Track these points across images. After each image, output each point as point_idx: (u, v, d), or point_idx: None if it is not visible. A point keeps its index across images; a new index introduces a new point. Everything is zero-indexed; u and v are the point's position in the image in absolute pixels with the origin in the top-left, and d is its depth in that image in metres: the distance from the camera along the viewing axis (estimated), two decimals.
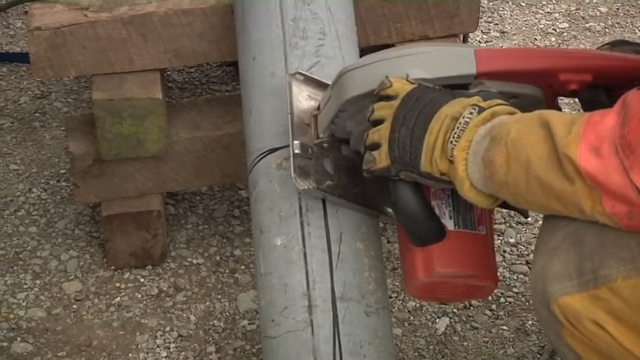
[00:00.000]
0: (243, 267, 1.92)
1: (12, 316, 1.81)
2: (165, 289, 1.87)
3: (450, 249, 1.27)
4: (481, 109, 1.13)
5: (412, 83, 1.22)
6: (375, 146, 1.21)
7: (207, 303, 1.84)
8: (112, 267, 1.90)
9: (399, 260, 1.92)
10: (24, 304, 1.83)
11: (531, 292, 1.19)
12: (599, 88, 1.27)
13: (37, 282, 1.87)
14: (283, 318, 1.37)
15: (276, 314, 1.38)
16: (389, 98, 1.21)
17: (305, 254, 1.38)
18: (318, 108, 1.39)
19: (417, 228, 1.26)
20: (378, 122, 1.21)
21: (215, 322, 1.80)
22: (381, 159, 1.20)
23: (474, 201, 1.16)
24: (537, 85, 1.28)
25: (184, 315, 1.82)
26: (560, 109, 1.31)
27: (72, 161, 1.81)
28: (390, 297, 1.81)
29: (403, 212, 1.25)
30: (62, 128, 2.24)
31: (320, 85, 1.44)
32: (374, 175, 1.25)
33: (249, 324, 1.79)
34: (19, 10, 2.57)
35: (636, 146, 0.89)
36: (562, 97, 1.34)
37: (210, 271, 1.91)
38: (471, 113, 1.13)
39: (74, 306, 1.83)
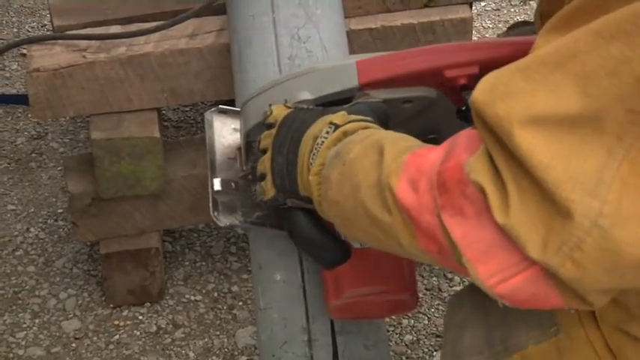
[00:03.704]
0: (241, 303, 1.93)
1: (11, 355, 1.81)
2: (163, 326, 1.88)
3: (356, 268, 1.23)
4: (336, 128, 1.07)
5: (289, 108, 1.18)
6: (263, 177, 1.16)
7: (206, 339, 1.85)
8: (111, 305, 1.91)
9: None
10: (23, 343, 1.84)
11: None
12: None
13: (36, 321, 1.88)
14: (283, 352, 1.38)
15: (277, 349, 1.39)
16: (271, 127, 1.17)
17: (304, 289, 1.39)
18: None
19: (317, 253, 1.22)
20: (265, 152, 1.18)
21: (214, 358, 1.81)
22: (268, 189, 1.15)
23: None
24: (428, 85, 1.23)
25: (183, 352, 1.83)
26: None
27: (70, 200, 1.82)
28: (388, 330, 1.82)
29: (299, 240, 1.21)
30: (59, 168, 2.25)
31: None
32: (270, 206, 1.21)
33: None
34: (14, 52, 2.60)
35: (449, 186, 0.83)
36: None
37: (208, 308, 1.92)
38: (327, 132, 1.07)
39: (73, 344, 1.84)
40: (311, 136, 1.09)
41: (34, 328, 1.87)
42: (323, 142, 1.06)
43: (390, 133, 1.04)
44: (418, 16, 1.85)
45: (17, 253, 2.04)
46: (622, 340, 1.00)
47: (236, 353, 1.82)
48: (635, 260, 0.74)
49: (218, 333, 1.86)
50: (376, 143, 0.97)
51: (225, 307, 1.92)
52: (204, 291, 1.95)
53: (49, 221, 2.12)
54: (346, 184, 0.98)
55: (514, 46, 1.19)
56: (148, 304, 1.91)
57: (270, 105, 1.20)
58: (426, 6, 1.87)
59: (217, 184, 1.32)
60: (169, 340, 1.85)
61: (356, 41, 1.80)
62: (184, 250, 2.05)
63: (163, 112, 2.36)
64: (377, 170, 0.93)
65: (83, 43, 1.77)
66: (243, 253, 2.02)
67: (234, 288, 1.96)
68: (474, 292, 1.14)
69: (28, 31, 2.82)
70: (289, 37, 1.57)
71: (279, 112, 1.17)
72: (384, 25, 1.83)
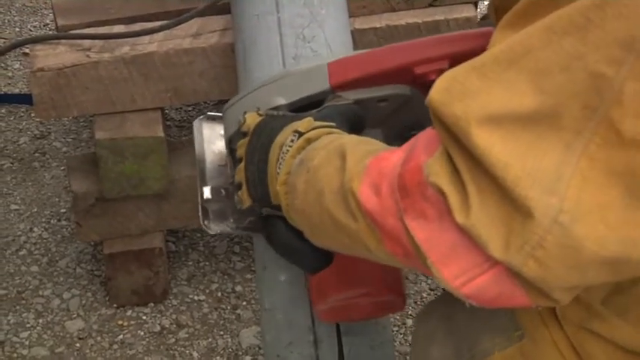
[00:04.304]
0: (244, 303, 1.93)
1: (15, 355, 1.81)
2: (167, 326, 1.87)
3: (338, 272, 1.21)
4: (300, 135, 1.06)
5: (261, 115, 1.16)
6: (239, 186, 1.15)
7: (210, 339, 1.85)
8: (114, 305, 1.91)
9: None
10: (27, 343, 1.84)
11: None
12: None
13: (40, 321, 1.88)
14: (289, 353, 1.38)
15: (282, 349, 1.39)
16: (245, 135, 1.15)
17: (309, 289, 1.39)
18: None
19: (298, 260, 1.21)
20: (241, 161, 1.16)
21: (218, 358, 1.81)
22: (244, 199, 1.13)
23: None
24: (400, 82, 1.21)
25: (187, 352, 1.82)
26: None
27: (74, 200, 1.82)
28: (392, 331, 1.82)
29: (278, 247, 1.19)
30: (62, 168, 2.25)
31: None
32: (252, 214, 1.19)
33: None
34: (17, 51, 2.60)
35: (410, 189, 0.82)
36: None
37: (212, 308, 1.91)
38: (292, 141, 1.06)
39: (77, 344, 1.84)
40: (278, 144, 1.08)
41: (38, 328, 1.86)
42: (288, 150, 1.05)
43: (353, 137, 1.03)
44: (423, 15, 1.85)
45: (21, 253, 2.03)
46: (585, 338, 1.00)
47: (240, 353, 1.82)
48: (597, 256, 0.73)
49: (222, 333, 1.86)
50: (339, 149, 0.96)
51: (228, 307, 1.92)
52: (207, 291, 1.95)
53: (52, 221, 2.12)
54: (311, 191, 0.97)
55: (485, 37, 1.12)
56: (152, 304, 1.91)
57: (244, 113, 1.18)
58: (430, 5, 1.87)
59: (207, 192, 1.30)
60: (173, 340, 1.85)
61: (361, 41, 1.80)
62: (188, 250, 2.04)
63: (166, 111, 2.36)
64: (340, 176, 0.92)
65: (87, 42, 1.77)
66: (247, 252, 2.02)
67: (238, 288, 1.96)
68: (441, 304, 1.14)
69: (30, 31, 2.82)
70: (294, 36, 1.56)
71: (251, 120, 1.15)
72: (388, 25, 1.83)
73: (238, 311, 1.91)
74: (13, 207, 2.15)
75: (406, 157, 0.85)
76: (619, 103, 0.71)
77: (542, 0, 0.78)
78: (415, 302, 1.94)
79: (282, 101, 1.20)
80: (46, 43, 1.79)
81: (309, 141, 1.04)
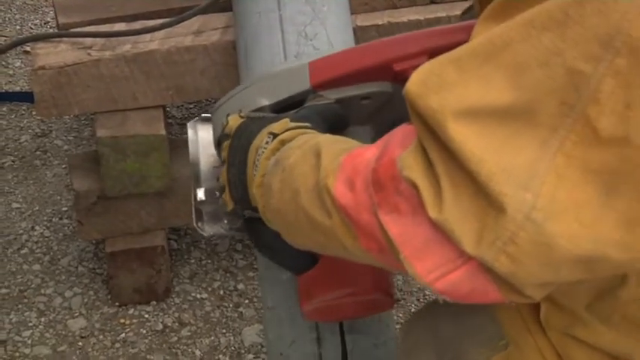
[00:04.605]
0: (247, 301, 1.93)
1: (17, 354, 1.81)
2: (169, 324, 1.87)
3: (323, 273, 1.20)
4: (275, 137, 1.05)
5: (242, 118, 1.15)
6: (223, 189, 1.14)
7: (212, 337, 1.85)
8: (117, 303, 1.91)
9: (401, 291, 1.93)
10: (29, 342, 1.83)
11: None
12: None
13: (42, 319, 1.88)
14: (292, 351, 1.38)
15: (285, 347, 1.39)
16: (228, 138, 1.15)
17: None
18: None
19: (282, 261, 1.20)
20: (224, 164, 1.15)
21: (220, 356, 1.81)
22: (227, 201, 1.12)
23: None
24: (381, 79, 1.19)
25: (190, 350, 1.82)
26: None
27: (76, 198, 1.82)
28: (395, 328, 1.81)
29: (262, 249, 1.19)
30: (63, 166, 2.25)
31: None
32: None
33: (254, 358, 1.80)
34: (17, 49, 2.60)
35: (385, 183, 0.81)
36: None
37: (214, 306, 1.91)
38: (267, 143, 1.05)
39: (79, 343, 1.83)
40: (254, 147, 1.07)
41: (40, 326, 1.86)
42: (263, 152, 1.04)
43: (328, 136, 1.03)
44: (424, 12, 1.85)
45: (22, 252, 2.03)
46: (569, 344, 0.99)
47: (243, 351, 1.81)
48: (570, 254, 0.73)
49: (224, 331, 1.86)
50: (314, 147, 0.95)
51: (231, 305, 1.91)
52: (210, 289, 1.95)
53: (53, 219, 2.11)
54: (286, 190, 0.96)
55: (465, 31, 1.11)
56: (154, 302, 1.91)
57: (227, 115, 1.18)
58: (432, 2, 1.87)
59: (201, 193, 1.29)
60: (175, 338, 1.84)
61: (363, 38, 1.80)
62: (190, 248, 2.04)
63: (168, 109, 2.36)
64: (315, 174, 0.91)
65: (88, 40, 1.76)
66: (249, 250, 2.01)
67: (240, 286, 1.96)
68: (425, 314, 1.13)
69: (31, 28, 2.82)
70: (296, 34, 1.56)
71: (233, 122, 1.15)
72: (390, 22, 1.83)
73: (241, 309, 1.90)
74: (15, 205, 2.15)
75: (380, 152, 0.84)
76: (596, 100, 0.71)
77: None
78: (418, 300, 1.93)
79: (265, 102, 1.20)
80: (47, 42, 1.78)
81: (283, 142, 1.03)
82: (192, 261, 2.01)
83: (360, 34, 1.80)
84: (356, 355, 1.36)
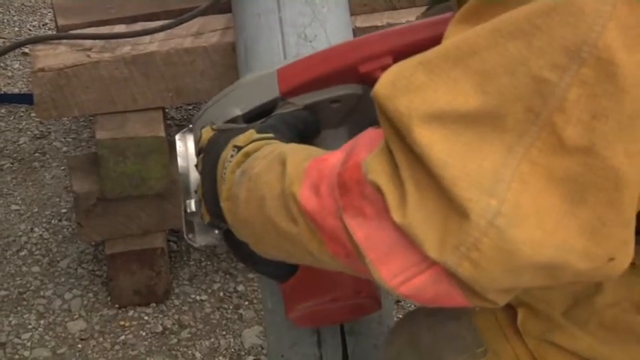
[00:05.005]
0: (247, 303, 1.92)
1: (17, 356, 1.81)
2: (169, 326, 1.87)
3: (304, 280, 1.19)
4: (240, 150, 1.04)
5: (213, 130, 1.14)
6: (200, 202, 1.14)
7: (212, 339, 1.84)
8: (116, 305, 1.90)
9: None
10: (29, 344, 1.83)
11: None
12: None
13: (42, 322, 1.87)
14: (293, 354, 1.37)
15: (286, 350, 1.39)
16: (202, 151, 1.14)
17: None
18: None
19: (262, 270, 1.20)
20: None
21: (220, 358, 1.81)
22: (205, 214, 1.12)
23: None
24: (349, 81, 1.18)
25: (189, 352, 1.82)
26: None
27: (75, 200, 1.82)
28: None
29: (241, 259, 1.18)
30: (62, 168, 2.25)
31: None
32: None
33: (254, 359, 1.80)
34: (16, 51, 2.59)
35: (350, 186, 0.80)
36: None
37: (214, 308, 1.91)
38: (232, 156, 1.04)
39: (79, 345, 1.83)
40: (222, 160, 1.06)
41: (40, 329, 1.86)
42: (228, 165, 1.04)
43: (293, 145, 1.02)
44: None
45: (21, 254, 2.03)
46: (547, 350, 1.00)
47: (243, 353, 1.81)
48: (532, 260, 0.72)
49: (224, 333, 1.86)
50: (279, 156, 0.95)
51: (231, 307, 1.91)
52: (209, 291, 1.95)
53: (53, 221, 2.11)
54: (253, 199, 0.95)
55: (429, 28, 1.14)
56: (154, 304, 1.91)
57: (201, 128, 1.17)
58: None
59: (192, 205, 1.27)
60: (175, 340, 1.84)
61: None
62: (189, 250, 2.04)
63: (167, 110, 2.35)
64: (280, 181, 0.91)
65: (88, 42, 1.76)
66: None
67: (240, 287, 1.95)
68: (406, 325, 1.13)
69: (30, 30, 2.82)
70: (296, 35, 1.56)
71: (205, 135, 1.14)
72: (389, 23, 1.83)
73: (240, 311, 1.90)
74: (14, 207, 2.15)
75: (346, 156, 0.84)
76: (562, 109, 0.71)
77: (492, 0, 0.77)
78: None
79: (238, 112, 1.19)
80: (46, 43, 1.78)
81: (247, 155, 1.02)
82: (192, 263, 2.01)
83: (359, 35, 1.79)
84: (357, 357, 1.36)
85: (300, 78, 1.17)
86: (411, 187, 0.75)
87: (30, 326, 1.87)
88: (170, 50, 1.75)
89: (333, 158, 0.86)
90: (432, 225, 0.74)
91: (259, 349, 1.81)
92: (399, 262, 0.78)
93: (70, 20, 1.85)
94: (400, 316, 1.88)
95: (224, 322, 1.88)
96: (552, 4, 0.71)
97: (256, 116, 1.17)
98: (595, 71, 0.70)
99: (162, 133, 1.77)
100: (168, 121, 2.35)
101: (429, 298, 0.79)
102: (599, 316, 0.98)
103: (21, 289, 1.94)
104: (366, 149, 0.82)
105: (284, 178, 0.90)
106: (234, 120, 1.18)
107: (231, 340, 1.84)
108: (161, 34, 1.76)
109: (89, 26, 1.82)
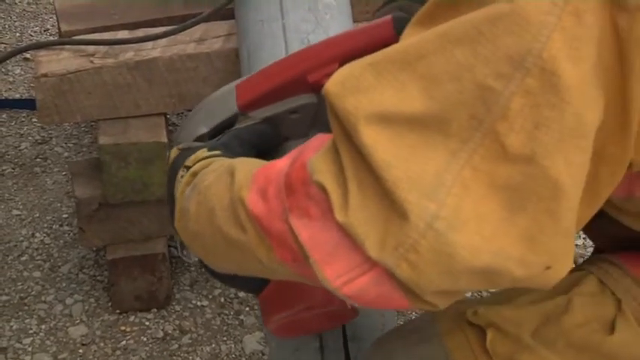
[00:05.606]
0: (247, 308, 1.93)
1: None
2: (170, 331, 1.87)
3: (277, 291, 1.18)
4: (188, 170, 1.04)
5: (178, 150, 1.13)
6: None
7: (213, 345, 1.85)
8: (117, 310, 1.90)
9: None
10: (30, 349, 1.83)
11: None
12: None
13: (43, 327, 1.88)
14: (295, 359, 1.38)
15: (288, 356, 1.39)
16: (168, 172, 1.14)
17: None
18: None
19: (237, 285, 1.19)
20: None
21: None
22: (176, 234, 1.10)
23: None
24: (303, 92, 1.17)
25: (190, 358, 1.82)
26: None
27: (77, 206, 1.82)
28: None
29: (214, 276, 1.16)
30: (63, 173, 2.25)
31: None
32: None
33: None
34: (17, 56, 2.59)
35: (295, 188, 0.81)
36: None
37: (215, 313, 1.91)
38: (182, 176, 1.04)
39: (80, 350, 1.83)
40: (176, 182, 1.06)
41: (41, 334, 1.86)
42: (177, 187, 1.04)
43: (242, 158, 1.02)
44: None
45: (23, 259, 2.03)
46: None
47: (244, 359, 1.81)
48: (470, 265, 0.73)
49: (225, 339, 1.86)
50: (228, 167, 0.95)
51: (232, 313, 1.91)
52: (210, 296, 1.95)
53: (54, 226, 2.11)
54: (203, 211, 0.95)
55: (375, 30, 1.14)
56: (155, 309, 1.91)
57: (170, 148, 1.16)
58: None
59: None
60: (176, 345, 1.84)
61: None
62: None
63: (169, 116, 2.36)
64: (230, 190, 0.90)
65: (91, 48, 1.77)
66: None
67: (241, 293, 1.95)
68: (379, 348, 1.13)
69: (31, 36, 2.82)
70: (299, 42, 1.57)
71: (172, 156, 1.13)
72: None
73: (241, 317, 1.90)
74: (15, 212, 2.15)
75: (294, 159, 0.84)
76: (505, 117, 0.71)
77: (444, 5, 0.77)
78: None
79: (204, 130, 1.18)
80: (49, 49, 1.78)
81: (194, 174, 1.02)
82: (193, 268, 2.01)
83: None
84: None
85: (255, 92, 1.17)
86: (354, 186, 0.76)
87: (31, 331, 1.87)
88: (173, 56, 1.75)
89: (280, 163, 0.87)
90: (374, 225, 0.75)
91: (260, 355, 1.81)
92: (343, 262, 0.78)
93: (73, 26, 1.85)
94: (401, 322, 1.88)
95: (225, 327, 1.88)
96: (499, 12, 0.72)
97: (219, 133, 1.17)
98: (539, 81, 0.71)
99: (165, 139, 1.77)
100: (170, 127, 2.36)
101: (371, 299, 0.80)
102: (568, 337, 0.99)
103: (22, 294, 1.95)
104: (314, 150, 0.83)
105: (233, 187, 0.90)
106: (201, 138, 1.17)
107: (232, 345, 1.84)
108: (164, 40, 1.77)
109: (92, 32, 1.82)
